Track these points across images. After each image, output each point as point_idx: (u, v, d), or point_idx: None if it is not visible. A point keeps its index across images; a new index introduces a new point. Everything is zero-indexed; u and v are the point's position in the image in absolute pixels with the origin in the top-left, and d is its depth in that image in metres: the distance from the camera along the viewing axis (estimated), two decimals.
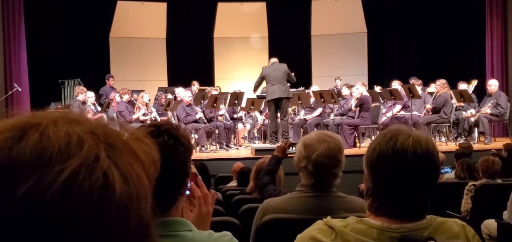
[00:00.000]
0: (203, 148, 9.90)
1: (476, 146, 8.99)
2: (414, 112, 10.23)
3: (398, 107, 10.73)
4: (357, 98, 10.16)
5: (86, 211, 0.51)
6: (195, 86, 11.99)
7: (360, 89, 10.25)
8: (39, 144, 0.52)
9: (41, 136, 0.53)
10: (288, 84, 9.52)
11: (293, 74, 9.52)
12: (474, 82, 11.21)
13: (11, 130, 0.54)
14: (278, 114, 9.54)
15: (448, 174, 6.13)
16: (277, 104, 9.38)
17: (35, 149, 0.52)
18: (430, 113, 10.12)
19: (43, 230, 0.50)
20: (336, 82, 12.87)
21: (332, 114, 10.29)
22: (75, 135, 0.54)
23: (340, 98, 10.70)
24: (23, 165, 0.51)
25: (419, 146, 1.40)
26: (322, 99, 10.12)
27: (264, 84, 10.11)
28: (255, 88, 10.16)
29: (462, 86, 10.66)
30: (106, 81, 12.33)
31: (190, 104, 10.22)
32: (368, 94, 10.41)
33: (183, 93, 10.56)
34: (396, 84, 10.84)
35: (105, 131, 0.57)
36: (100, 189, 0.52)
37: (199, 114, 10.11)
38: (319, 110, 10.78)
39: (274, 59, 9.75)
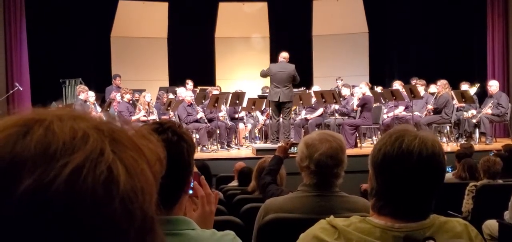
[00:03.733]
0: (204, 148, 9.90)
1: (477, 147, 8.99)
2: (416, 113, 10.23)
3: (400, 108, 10.73)
4: (360, 98, 10.15)
5: (90, 205, 0.51)
6: (189, 85, 11.89)
7: (363, 89, 10.24)
8: (44, 138, 0.52)
9: (46, 131, 0.53)
10: (292, 86, 9.43)
11: (297, 76, 9.37)
12: (476, 86, 11.21)
13: (16, 126, 0.54)
14: (280, 114, 9.53)
15: (447, 174, 6.12)
16: (279, 106, 9.37)
17: (40, 144, 0.52)
18: (431, 114, 10.11)
19: (47, 224, 0.50)
20: (338, 83, 12.84)
21: (335, 113, 10.29)
22: (80, 130, 0.54)
23: (341, 99, 10.69)
24: (27, 159, 0.51)
25: (425, 147, 1.40)
26: (323, 100, 10.11)
27: (268, 81, 10.00)
28: (261, 75, 9.92)
29: (464, 87, 10.65)
30: (113, 80, 12.30)
31: (191, 104, 10.22)
32: (371, 95, 10.40)
33: (185, 93, 10.56)
34: (397, 85, 10.84)
35: (110, 127, 0.57)
36: (104, 182, 0.52)
37: (200, 114, 10.11)
38: (320, 110, 10.77)
39: (283, 58, 9.43)
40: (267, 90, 10.96)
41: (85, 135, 0.54)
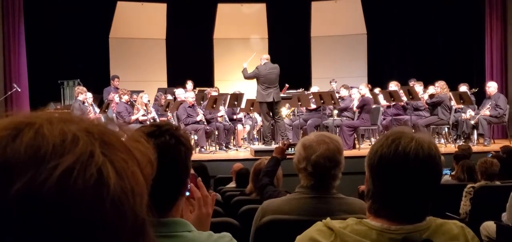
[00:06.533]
0: (202, 149, 9.90)
1: (475, 148, 8.99)
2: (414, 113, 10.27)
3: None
4: (360, 99, 10.17)
5: (81, 207, 0.51)
6: (189, 85, 11.81)
7: (363, 90, 10.25)
8: (33, 141, 0.52)
9: (35, 134, 0.53)
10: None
11: None
12: (475, 90, 11.25)
13: (6, 129, 0.54)
14: (271, 115, 9.60)
15: (446, 176, 6.13)
16: (270, 107, 9.44)
17: (29, 147, 0.52)
18: (427, 105, 10.18)
19: (38, 226, 0.50)
20: (332, 85, 12.81)
21: (334, 112, 10.30)
22: (70, 133, 0.54)
23: (340, 100, 10.70)
24: (18, 162, 0.51)
25: (422, 149, 1.40)
26: (322, 101, 10.11)
27: (254, 82, 10.07)
28: (247, 77, 9.91)
29: (463, 88, 10.66)
30: (111, 81, 12.29)
31: (193, 105, 10.21)
32: (371, 96, 10.41)
33: (186, 94, 10.56)
34: (393, 86, 10.84)
35: (100, 129, 0.57)
36: (94, 185, 0.52)
37: (200, 116, 10.10)
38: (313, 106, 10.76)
39: (266, 59, 9.66)
40: None
41: (75, 138, 0.54)
